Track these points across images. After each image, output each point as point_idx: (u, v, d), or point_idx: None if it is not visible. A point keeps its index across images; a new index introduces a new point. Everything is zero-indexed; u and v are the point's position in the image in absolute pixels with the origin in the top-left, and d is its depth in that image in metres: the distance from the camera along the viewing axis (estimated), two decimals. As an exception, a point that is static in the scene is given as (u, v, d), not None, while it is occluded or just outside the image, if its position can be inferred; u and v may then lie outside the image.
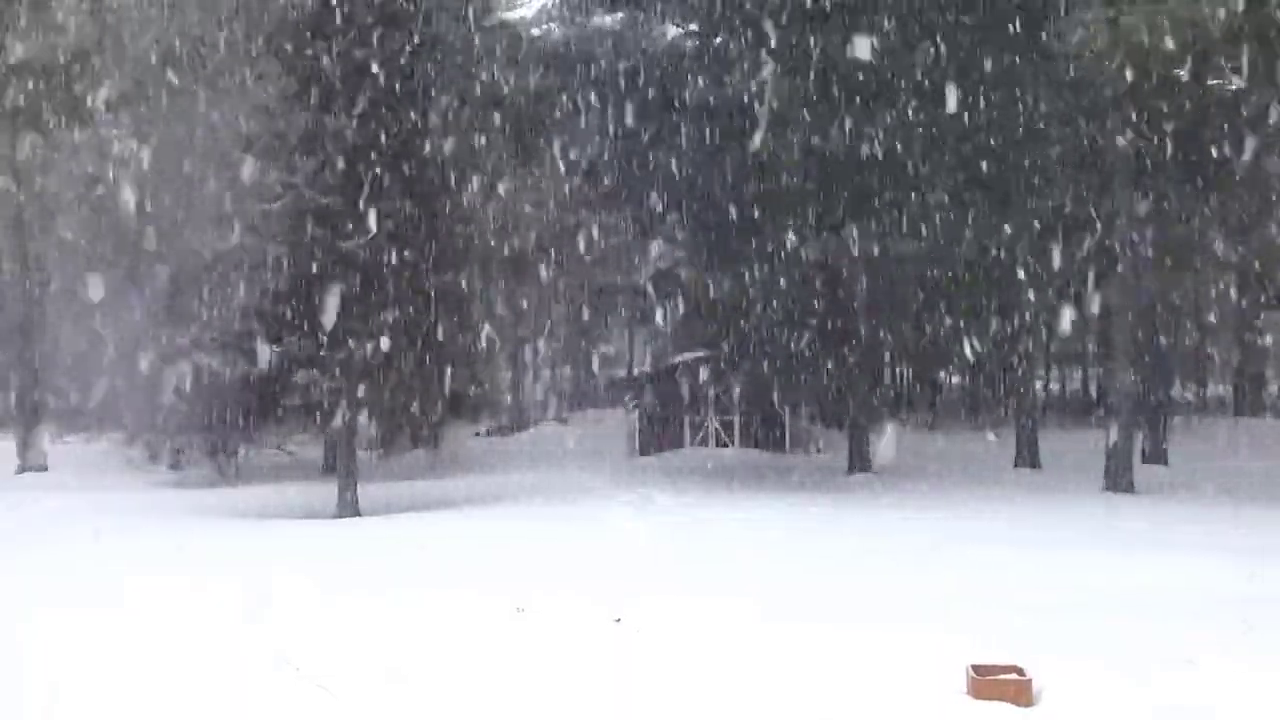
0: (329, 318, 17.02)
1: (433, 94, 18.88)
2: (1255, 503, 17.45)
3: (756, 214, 20.68)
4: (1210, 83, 18.58)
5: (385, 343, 16.87)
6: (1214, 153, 19.38)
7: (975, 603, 9.07)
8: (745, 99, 19.67)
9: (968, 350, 21.13)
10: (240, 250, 17.90)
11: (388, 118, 17.46)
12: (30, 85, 23.55)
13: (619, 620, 8.28)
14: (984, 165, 19.60)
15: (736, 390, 27.30)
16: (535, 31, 28.74)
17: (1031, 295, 22.14)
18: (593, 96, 23.00)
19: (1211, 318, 33.10)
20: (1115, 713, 6.04)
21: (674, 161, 21.79)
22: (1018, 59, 19.23)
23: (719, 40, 22.45)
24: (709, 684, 6.62)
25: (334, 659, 7.26)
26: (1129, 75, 17.45)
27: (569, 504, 18.14)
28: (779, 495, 19.42)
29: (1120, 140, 19.14)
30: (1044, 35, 18.65)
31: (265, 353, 16.83)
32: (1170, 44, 16.09)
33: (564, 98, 23.72)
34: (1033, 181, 20.26)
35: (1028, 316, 24.02)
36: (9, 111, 23.95)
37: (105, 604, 9.37)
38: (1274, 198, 20.71)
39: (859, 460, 22.99)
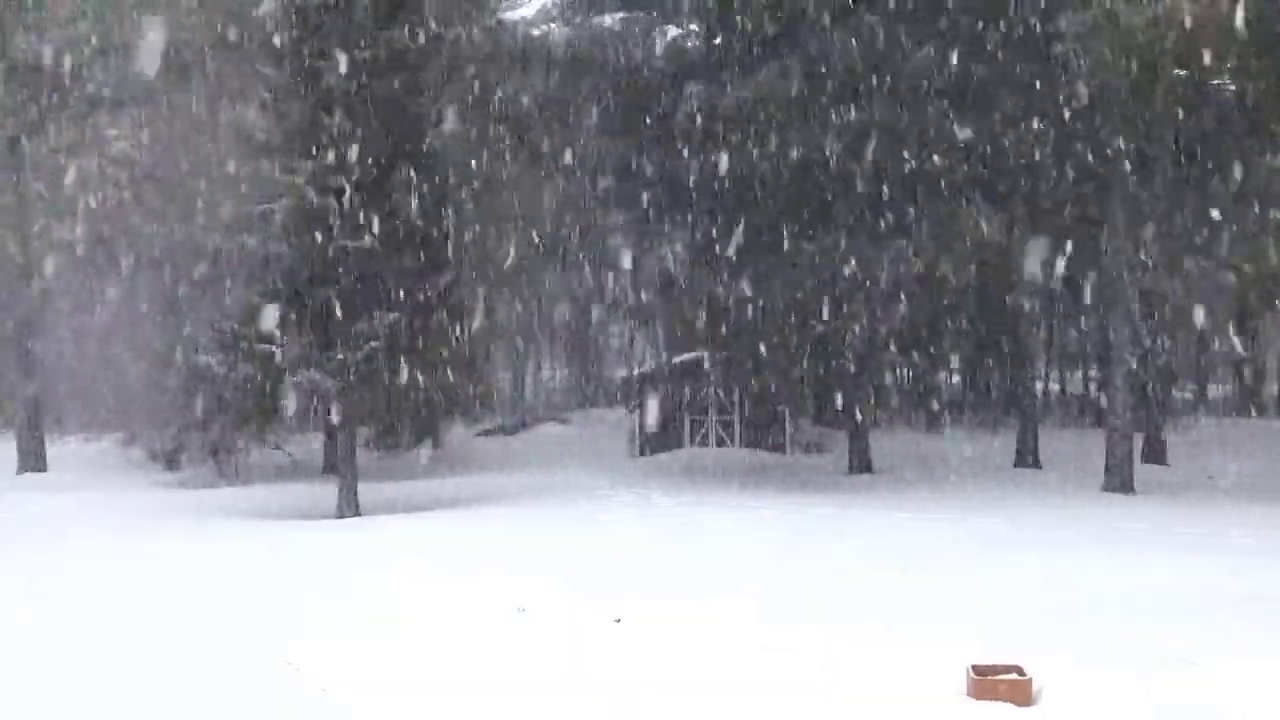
0: (329, 317, 17.03)
1: (433, 93, 18.86)
2: (1255, 502, 17.45)
3: (757, 215, 20.67)
4: (1211, 82, 18.58)
5: (385, 343, 16.88)
6: (1214, 153, 19.39)
7: (975, 603, 9.07)
8: (745, 100, 19.66)
9: (967, 350, 21.15)
10: (240, 250, 17.89)
11: (388, 117, 17.45)
12: (30, 84, 23.55)
13: (619, 620, 8.28)
14: (982, 167, 19.59)
15: (736, 390, 27.29)
16: (535, 32, 28.73)
17: (1030, 295, 22.16)
18: (593, 96, 23.00)
19: (1211, 317, 33.04)
20: (1115, 713, 6.05)
21: (674, 162, 21.79)
22: (1016, 59, 19.24)
23: (719, 40, 22.45)
24: (708, 684, 6.62)
25: (334, 659, 7.26)
26: (1128, 75, 17.45)
27: (569, 504, 18.14)
28: (779, 495, 19.42)
29: (1119, 140, 19.13)
30: (1043, 35, 18.66)
31: (265, 353, 16.83)
32: (1170, 44, 16.10)
33: (563, 97, 23.71)
34: (1031, 182, 20.27)
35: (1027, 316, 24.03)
36: (9, 110, 23.95)
37: (105, 604, 9.37)
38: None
39: (859, 461, 23.00)
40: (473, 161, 22.33)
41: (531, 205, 27.34)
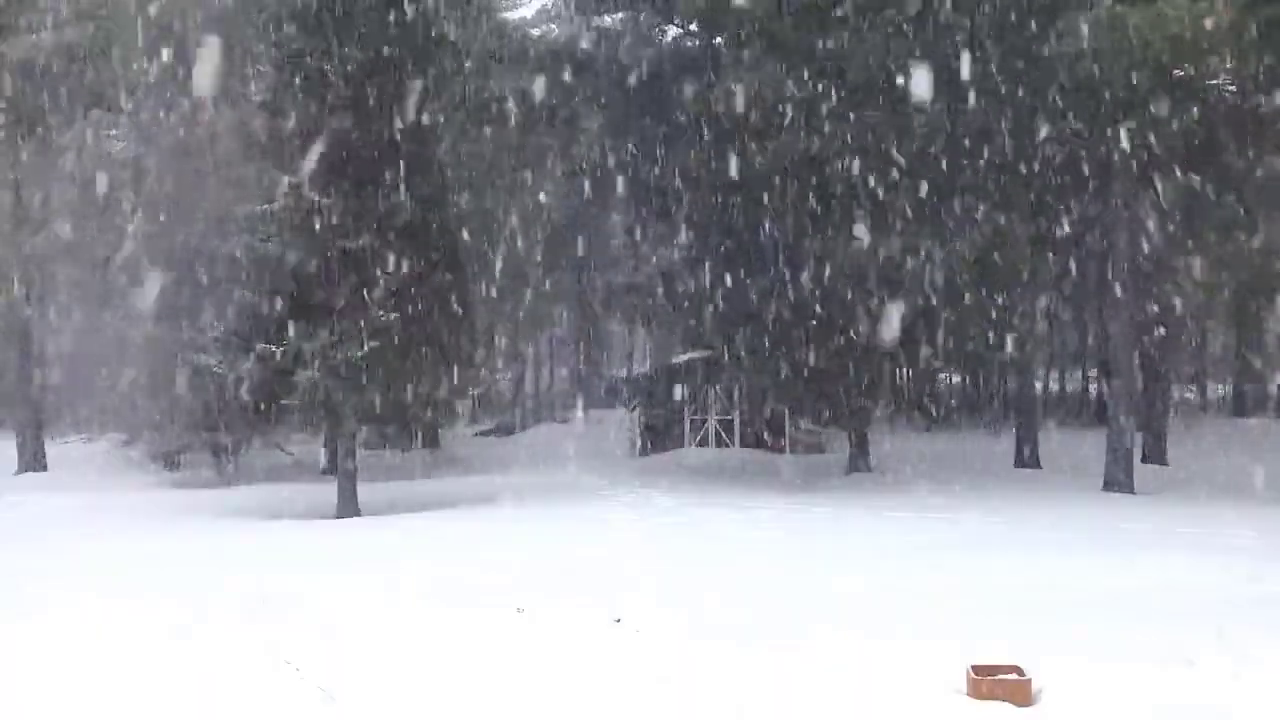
0: (329, 317, 17.03)
1: (433, 93, 18.87)
2: (1255, 503, 17.44)
3: (756, 214, 20.66)
4: (1211, 83, 18.56)
5: (385, 342, 16.88)
6: (1215, 153, 19.39)
7: (975, 602, 9.07)
8: (745, 99, 19.66)
9: (967, 349, 21.13)
10: (240, 250, 17.89)
11: (388, 117, 17.45)
12: (29, 84, 23.54)
13: (619, 620, 8.28)
14: (983, 165, 19.58)
15: (736, 390, 27.31)
16: (535, 32, 28.74)
17: (1031, 295, 22.16)
18: (593, 96, 23.00)
19: (1212, 317, 33.09)
20: (1115, 713, 6.05)
21: (674, 161, 21.78)
22: (1018, 59, 19.22)
23: (719, 40, 22.44)
24: (708, 684, 6.62)
25: (334, 660, 7.26)
26: (1130, 75, 17.44)
27: (569, 504, 18.15)
28: (779, 495, 19.42)
29: (1121, 140, 19.12)
30: (1044, 35, 18.63)
31: (265, 352, 16.83)
32: (1171, 44, 16.09)
33: (563, 97, 23.71)
34: (1032, 181, 20.24)
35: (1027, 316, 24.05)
36: (8, 110, 23.95)
37: (105, 603, 9.37)
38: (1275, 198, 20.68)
39: (859, 461, 23.00)
40: (473, 161, 22.34)
41: (532, 205, 27.35)
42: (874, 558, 11.99)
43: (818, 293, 20.49)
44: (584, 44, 24.61)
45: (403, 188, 17.38)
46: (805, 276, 20.40)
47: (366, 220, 17.10)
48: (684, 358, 28.12)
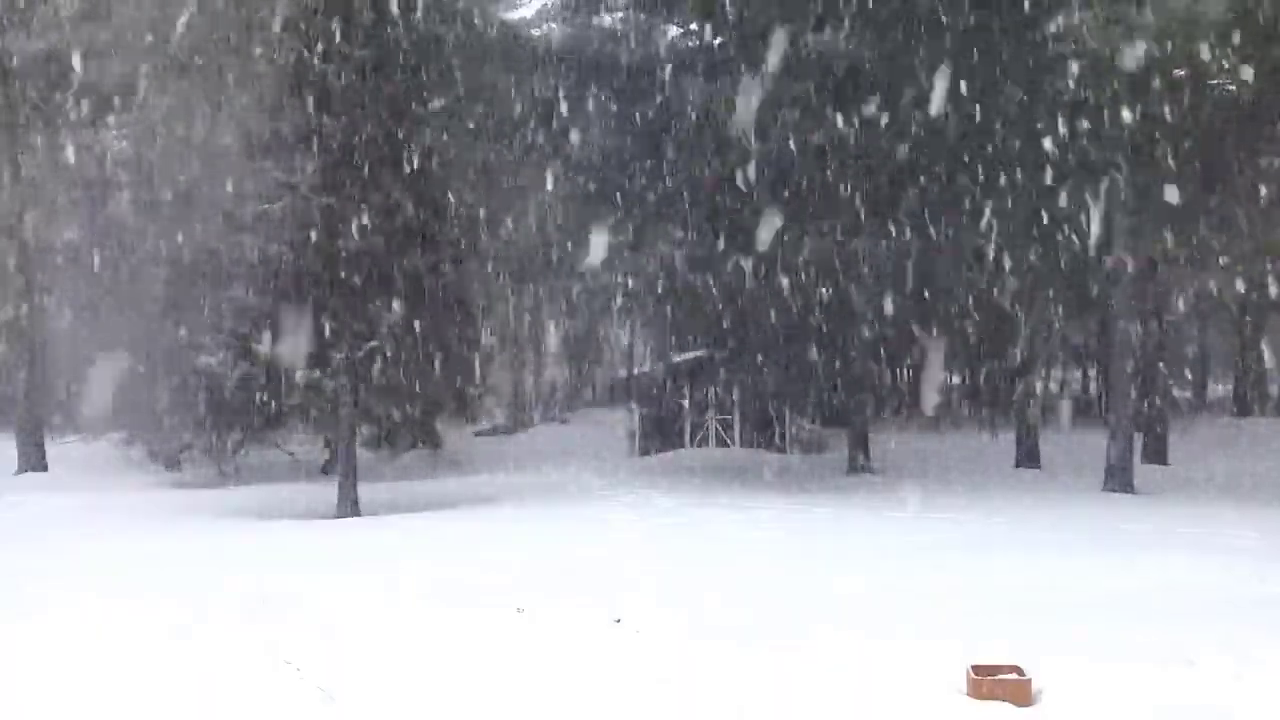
0: (329, 317, 17.03)
1: (432, 94, 18.87)
2: (1256, 503, 17.44)
3: (755, 211, 20.66)
4: (1210, 82, 18.56)
5: (385, 342, 16.88)
6: (1214, 151, 19.38)
7: (975, 603, 9.06)
8: (745, 97, 19.66)
9: (966, 346, 21.14)
10: (240, 250, 17.88)
11: (388, 117, 17.45)
12: (29, 83, 23.55)
13: (619, 620, 8.28)
14: (982, 163, 19.59)
15: (736, 390, 27.31)
16: (535, 32, 28.75)
17: (1030, 293, 22.17)
18: (592, 96, 23.01)
19: (1212, 317, 33.06)
20: (1115, 713, 6.04)
21: (674, 160, 21.78)
22: (1018, 57, 19.22)
23: (719, 40, 22.46)
24: (708, 685, 6.62)
25: (334, 660, 7.26)
26: (1129, 73, 17.43)
27: (569, 504, 18.14)
28: (779, 495, 19.42)
29: (1119, 137, 19.12)
30: (1044, 33, 18.63)
31: (265, 353, 16.82)
32: (1169, 43, 16.09)
33: (563, 97, 23.71)
34: (1031, 179, 20.23)
35: (1025, 314, 24.05)
36: (8, 109, 23.93)
37: (105, 603, 9.37)
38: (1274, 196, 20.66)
39: (859, 461, 22.99)
40: (472, 161, 22.32)
41: (532, 204, 27.32)
42: (874, 558, 11.99)
43: (818, 292, 20.50)
44: (584, 44, 24.62)
45: (402, 188, 17.38)
46: (805, 276, 20.41)
47: (366, 220, 17.09)
48: (684, 358, 28.12)
